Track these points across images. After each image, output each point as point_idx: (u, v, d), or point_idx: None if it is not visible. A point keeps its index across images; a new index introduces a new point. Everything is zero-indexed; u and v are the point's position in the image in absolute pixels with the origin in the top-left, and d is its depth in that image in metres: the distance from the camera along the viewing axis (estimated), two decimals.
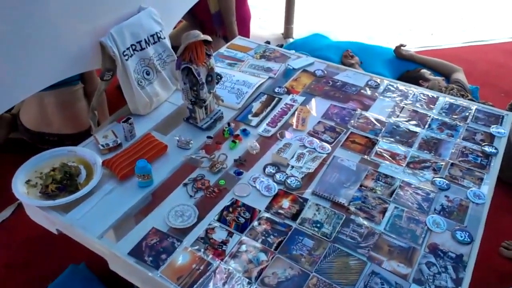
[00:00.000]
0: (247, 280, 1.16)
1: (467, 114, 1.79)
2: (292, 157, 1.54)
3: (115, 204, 1.37)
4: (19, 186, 1.38)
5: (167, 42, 1.78)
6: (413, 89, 1.94)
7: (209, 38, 1.52)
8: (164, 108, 1.79)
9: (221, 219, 1.33)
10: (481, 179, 1.49)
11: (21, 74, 1.43)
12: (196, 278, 1.16)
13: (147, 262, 1.20)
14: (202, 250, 1.24)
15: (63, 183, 1.38)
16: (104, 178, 1.45)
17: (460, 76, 2.57)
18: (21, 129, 2.27)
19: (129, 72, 1.62)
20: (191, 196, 1.40)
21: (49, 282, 1.60)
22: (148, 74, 1.71)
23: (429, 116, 1.78)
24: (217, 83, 1.66)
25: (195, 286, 1.14)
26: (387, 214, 1.36)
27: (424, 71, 2.60)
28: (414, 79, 2.51)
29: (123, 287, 1.46)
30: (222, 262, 1.20)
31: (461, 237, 1.29)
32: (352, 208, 1.37)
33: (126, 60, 1.60)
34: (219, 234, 1.28)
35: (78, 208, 1.36)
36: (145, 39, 1.67)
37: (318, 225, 1.31)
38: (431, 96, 1.89)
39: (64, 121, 2.14)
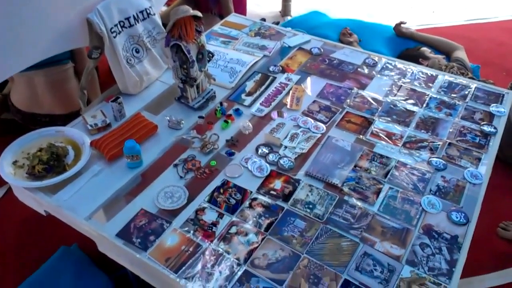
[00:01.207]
0: (237, 261, 1.14)
1: (466, 92, 1.74)
2: (286, 137, 1.50)
3: (103, 185, 1.35)
4: (5, 167, 1.35)
5: (157, 19, 1.72)
6: (411, 67, 1.89)
7: (199, 13, 1.46)
8: (155, 87, 1.74)
9: (212, 200, 1.30)
10: (479, 159, 1.45)
11: (7, 50, 1.38)
12: (185, 259, 1.14)
13: (135, 244, 1.18)
14: (192, 231, 1.21)
15: (50, 164, 1.35)
16: (92, 159, 1.42)
17: (461, 54, 2.50)
18: (12, 109, 2.23)
19: (117, 50, 1.57)
20: (181, 177, 1.37)
21: (41, 264, 1.58)
22: (137, 52, 1.66)
23: (427, 95, 1.73)
24: (208, 61, 1.61)
25: (183, 267, 1.12)
26: (381, 195, 1.33)
27: (425, 49, 2.53)
28: (414, 57, 2.44)
29: (115, 267, 1.44)
30: (211, 244, 1.18)
31: (457, 218, 1.26)
32: (345, 189, 1.34)
33: (114, 37, 1.55)
34: (209, 216, 1.25)
35: (66, 189, 1.33)
36: (133, 16, 1.61)
37: (311, 206, 1.28)
38: (430, 75, 1.84)
39: (55, 101, 2.10)
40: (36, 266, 1.59)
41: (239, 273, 1.11)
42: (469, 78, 2.05)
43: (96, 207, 1.28)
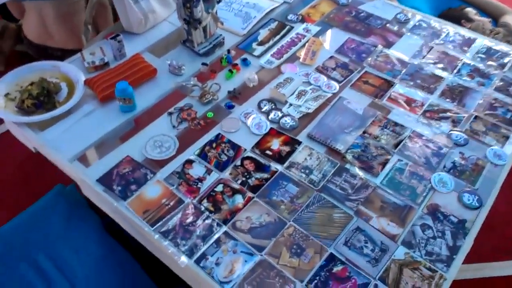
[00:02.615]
0: (217, 221, 1.06)
1: (505, 61, 1.54)
2: (292, 94, 1.38)
3: (93, 126, 1.28)
4: None
5: None
6: (448, 28, 1.68)
7: None
8: (162, 28, 1.63)
9: (202, 154, 1.21)
10: (507, 138, 1.29)
11: None
12: (164, 214, 1.08)
13: (115, 192, 1.12)
14: (176, 185, 1.14)
15: (40, 100, 1.29)
16: (85, 98, 1.35)
17: (511, 19, 2.23)
18: (25, 42, 2.19)
19: None
20: (174, 126, 1.28)
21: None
22: None
23: (460, 60, 1.54)
24: (218, 2, 1.47)
25: (160, 222, 1.06)
26: (388, 166, 1.20)
27: (469, 10, 2.27)
28: (456, 18, 2.19)
29: None
30: (194, 200, 1.11)
31: (469, 200, 1.13)
32: (348, 156, 1.22)
33: None
34: (197, 170, 1.17)
35: (54, 128, 1.28)
36: None
37: (307, 171, 1.18)
38: (467, 38, 1.63)
39: (67, 35, 2.03)
40: (32, 204, 1.58)
41: (218, 234, 1.04)
42: None
43: (82, 149, 1.23)
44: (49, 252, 1.34)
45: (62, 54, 2.08)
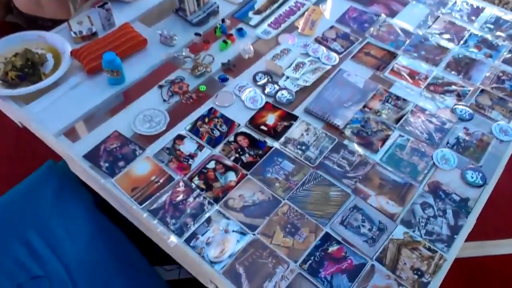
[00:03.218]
0: (209, 199, 1.02)
1: None
2: (289, 66, 1.31)
3: (79, 100, 1.22)
4: None
5: None
6: None
7: None
8: None
9: (194, 129, 1.16)
10: None
11: None
12: (153, 191, 1.03)
13: (102, 168, 1.07)
14: (166, 161, 1.09)
15: (24, 72, 1.23)
16: (72, 70, 1.28)
17: None
18: (15, 12, 2.10)
19: None
20: (164, 100, 1.22)
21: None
22: None
23: (468, 30, 1.46)
24: None
25: (149, 200, 1.02)
26: (388, 143, 1.15)
27: None
28: None
29: None
30: (185, 177, 1.06)
31: (472, 178, 1.08)
32: (347, 132, 1.16)
33: None
34: (188, 146, 1.12)
35: (39, 101, 1.22)
36: None
37: (304, 147, 1.12)
38: (475, 7, 1.55)
39: (56, 5, 1.92)
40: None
41: (209, 213, 1.00)
42: None
43: (68, 123, 1.17)
44: (40, 230, 1.30)
45: (52, 25, 1.99)
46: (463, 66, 1.35)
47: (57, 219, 1.34)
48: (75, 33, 1.36)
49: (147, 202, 1.01)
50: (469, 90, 1.28)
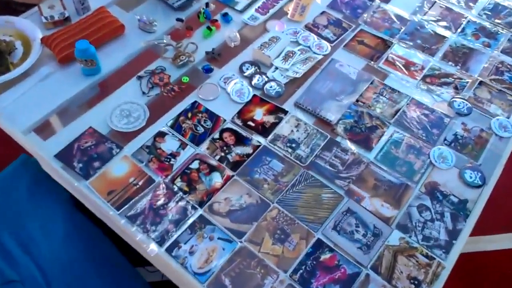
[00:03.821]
0: (192, 203, 0.95)
1: None
2: (278, 55, 1.22)
3: (51, 92, 1.12)
4: None
5: None
6: None
7: None
8: None
9: (176, 125, 1.08)
10: None
11: None
12: (131, 195, 0.95)
13: (75, 169, 0.99)
14: (145, 161, 1.01)
15: None
16: (43, 59, 1.18)
17: None
18: None
19: None
20: (144, 93, 1.13)
21: None
22: None
23: (465, 17, 1.39)
24: None
25: (128, 204, 0.94)
26: (383, 139, 1.08)
27: None
28: None
29: None
30: (166, 179, 0.98)
31: (471, 178, 1.02)
32: (339, 128, 1.09)
33: None
34: (170, 144, 1.04)
35: (7, 94, 1.12)
36: None
37: (294, 145, 1.05)
38: None
39: None
40: None
41: (193, 218, 0.93)
42: None
43: (38, 118, 1.08)
44: (13, 230, 1.22)
45: (26, 10, 1.86)
46: (461, 56, 1.28)
47: (32, 219, 1.26)
48: (46, 18, 1.25)
49: (125, 207, 0.93)
50: (467, 82, 1.22)
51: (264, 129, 1.08)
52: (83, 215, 1.28)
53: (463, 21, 1.38)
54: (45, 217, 1.26)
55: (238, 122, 1.09)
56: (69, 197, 1.37)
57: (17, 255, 1.19)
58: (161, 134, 1.05)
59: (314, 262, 0.88)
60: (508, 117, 1.14)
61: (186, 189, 0.97)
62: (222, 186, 0.98)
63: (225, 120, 1.09)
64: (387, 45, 1.30)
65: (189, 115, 1.10)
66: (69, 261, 1.19)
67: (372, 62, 1.25)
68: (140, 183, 0.97)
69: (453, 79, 1.22)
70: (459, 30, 1.36)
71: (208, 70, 1.19)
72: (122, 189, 0.96)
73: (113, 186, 0.97)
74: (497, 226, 1.56)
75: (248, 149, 1.04)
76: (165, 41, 1.23)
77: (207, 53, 1.23)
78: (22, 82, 1.14)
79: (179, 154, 1.02)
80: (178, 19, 1.29)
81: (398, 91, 1.18)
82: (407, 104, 1.15)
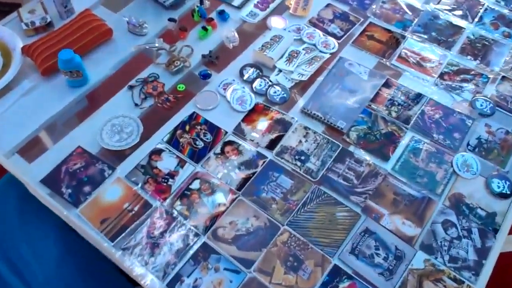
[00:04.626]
0: (195, 230, 0.86)
1: None
2: (282, 56, 1.12)
3: (34, 108, 1.03)
4: None
5: None
6: None
7: None
8: None
9: (173, 140, 0.98)
10: None
11: None
12: (126, 222, 0.86)
13: (63, 196, 0.90)
14: (141, 183, 0.91)
15: None
16: (24, 71, 1.08)
17: None
18: None
19: None
20: (136, 104, 1.04)
21: None
22: None
23: (482, 5, 1.28)
24: None
25: (123, 234, 0.85)
26: (401, 147, 0.99)
27: None
28: None
29: None
30: (164, 202, 0.89)
31: (499, 187, 0.93)
32: (352, 136, 1.00)
33: None
34: (167, 163, 0.95)
35: None
36: None
37: (303, 157, 0.96)
38: None
39: None
40: None
41: (196, 246, 0.84)
42: None
43: (22, 138, 0.98)
44: (3, 253, 1.14)
45: (11, 10, 1.75)
46: (480, 49, 1.18)
47: (22, 239, 1.17)
48: (26, 24, 1.14)
49: (120, 237, 0.85)
50: (489, 78, 1.11)
51: (270, 141, 0.98)
52: (77, 236, 1.19)
53: (480, 8, 1.28)
54: (36, 237, 1.18)
55: (241, 133, 0.99)
56: (57, 218, 1.28)
57: (8, 280, 1.11)
58: (157, 152, 0.96)
59: None
60: None
61: (186, 213, 0.88)
62: (227, 208, 0.88)
63: (226, 132, 0.99)
64: (399, 39, 1.19)
65: (187, 127, 1.00)
66: (63, 282, 1.12)
67: (384, 60, 1.14)
68: (135, 209, 0.88)
69: (473, 75, 1.12)
70: (476, 19, 1.25)
71: (206, 76, 1.09)
72: (116, 216, 0.87)
73: (106, 213, 0.87)
74: None
75: (253, 165, 0.94)
76: (157, 44, 1.13)
77: (203, 56, 1.12)
78: (3, 97, 1.04)
79: (177, 173, 0.93)
80: (171, 19, 1.18)
81: (414, 92, 1.08)
82: (425, 105, 1.05)
